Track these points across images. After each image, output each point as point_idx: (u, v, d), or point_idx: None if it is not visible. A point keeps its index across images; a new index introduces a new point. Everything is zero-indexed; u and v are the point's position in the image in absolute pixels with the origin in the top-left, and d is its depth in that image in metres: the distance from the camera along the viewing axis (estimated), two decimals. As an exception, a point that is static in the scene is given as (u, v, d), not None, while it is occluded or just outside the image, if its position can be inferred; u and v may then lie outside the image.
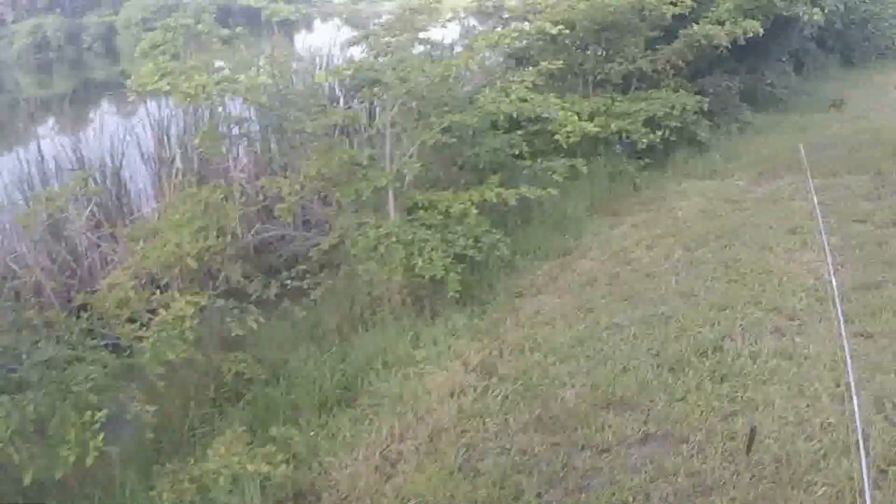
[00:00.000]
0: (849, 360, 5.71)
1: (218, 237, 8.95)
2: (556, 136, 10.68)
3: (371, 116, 13.02)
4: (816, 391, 6.39)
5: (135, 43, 11.37)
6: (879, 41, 27.50)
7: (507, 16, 16.14)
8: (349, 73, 9.97)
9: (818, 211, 8.94)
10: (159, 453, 7.28)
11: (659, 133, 13.95)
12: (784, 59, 20.94)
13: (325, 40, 18.75)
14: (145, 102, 14.70)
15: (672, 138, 14.43)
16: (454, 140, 9.99)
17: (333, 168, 9.29)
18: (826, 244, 8.22)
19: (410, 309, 9.24)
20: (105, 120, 18.50)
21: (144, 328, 7.79)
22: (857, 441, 4.89)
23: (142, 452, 7.36)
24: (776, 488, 5.40)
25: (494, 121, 10.82)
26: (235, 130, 13.59)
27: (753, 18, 15.10)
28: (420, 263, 8.87)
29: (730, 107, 17.40)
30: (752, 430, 5.77)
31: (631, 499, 5.55)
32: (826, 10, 18.71)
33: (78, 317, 8.42)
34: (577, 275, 9.97)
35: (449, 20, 11.85)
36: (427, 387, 7.46)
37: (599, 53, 15.03)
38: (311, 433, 7.06)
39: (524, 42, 14.52)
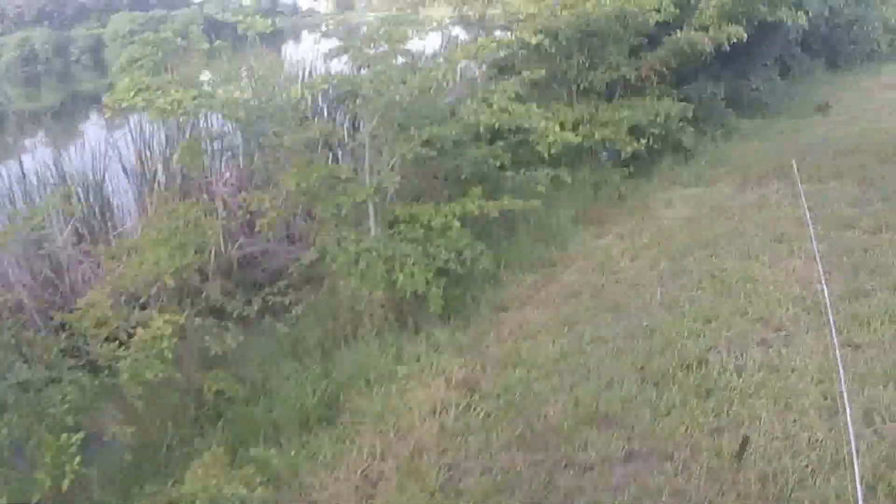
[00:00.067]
0: (841, 373, 5.64)
1: (197, 254, 8.86)
2: (538, 147, 10.57)
3: (355, 128, 12.95)
4: (803, 405, 6.28)
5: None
6: (864, 44, 27.50)
7: (493, 25, 16.05)
8: (325, 86, 9.87)
9: (808, 218, 8.84)
10: (138, 475, 7.17)
11: (643, 141, 13.89)
12: (769, 64, 20.86)
13: (308, 52, 18.72)
14: (127, 117, 14.65)
15: (656, 146, 14.39)
16: (434, 152, 9.87)
17: (312, 182, 9.19)
18: (816, 253, 8.12)
19: (393, 324, 9.16)
20: (91, 133, 18.44)
21: (123, 347, 7.70)
22: (848, 456, 4.81)
23: (120, 475, 7.26)
24: (763, 507, 5.31)
25: (476, 132, 10.69)
26: (219, 144, 13.63)
27: (737, 24, 15.03)
28: (401, 278, 8.79)
29: (715, 113, 17.34)
30: (745, 439, 5.72)
31: (614, 519, 5.47)
32: (810, 15, 18.65)
33: (57, 335, 8.34)
34: (561, 287, 9.88)
35: (430, 31, 11.71)
36: (409, 404, 7.37)
37: (583, 62, 14.89)
38: (292, 452, 6.97)
39: (507, 51, 14.43)
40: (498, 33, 15.46)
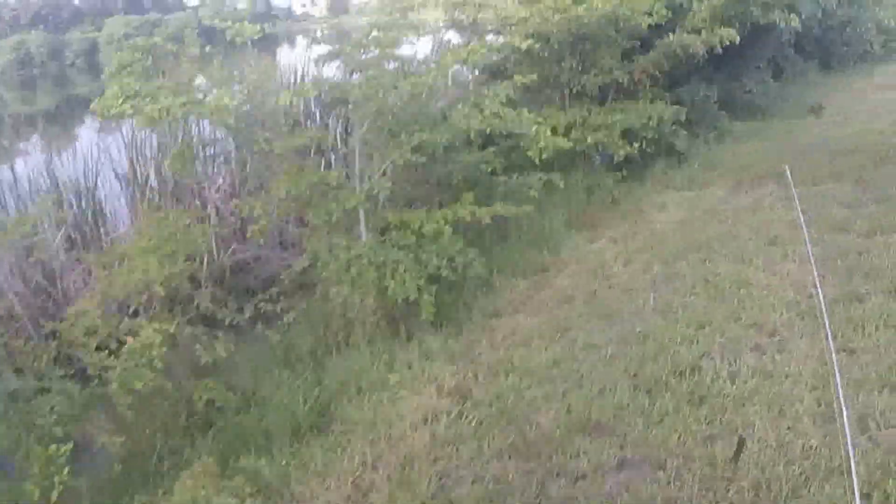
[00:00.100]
0: (838, 379, 5.59)
1: (187, 262, 8.83)
2: (529, 153, 10.53)
3: (348, 133, 12.90)
4: (797, 412, 6.20)
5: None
6: (857, 46, 27.56)
7: (487, 28, 16.00)
8: (314, 93, 9.82)
9: (802, 221, 8.80)
10: (128, 485, 7.14)
11: (636, 145, 13.87)
12: (762, 66, 20.88)
13: (302, 57, 18.69)
14: (121, 122, 14.58)
15: (649, 150, 14.38)
16: (425, 158, 9.83)
17: (302, 189, 9.14)
18: (811, 256, 8.09)
19: (385, 331, 9.13)
20: (85, 137, 18.41)
21: (113, 356, 7.67)
22: (844, 463, 4.76)
23: (110, 485, 7.22)
24: (756, 517, 5.26)
25: (468, 137, 10.65)
26: (212, 150, 13.57)
27: (730, 26, 14.99)
28: (392, 285, 8.75)
29: (708, 115, 17.33)
30: (741, 441, 5.68)
31: (606, 529, 5.43)
32: (803, 17, 18.62)
33: (49, 343, 8.32)
34: (554, 292, 9.84)
35: (421, 35, 11.68)
36: (401, 412, 7.33)
37: (575, 65, 14.89)
38: (283, 462, 6.93)
39: (499, 56, 14.38)
40: (490, 37, 15.44)
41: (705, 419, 6.31)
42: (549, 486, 5.93)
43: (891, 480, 5.19)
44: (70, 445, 6.42)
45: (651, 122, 14.20)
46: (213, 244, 11.88)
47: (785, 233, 10.16)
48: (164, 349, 7.66)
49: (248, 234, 10.49)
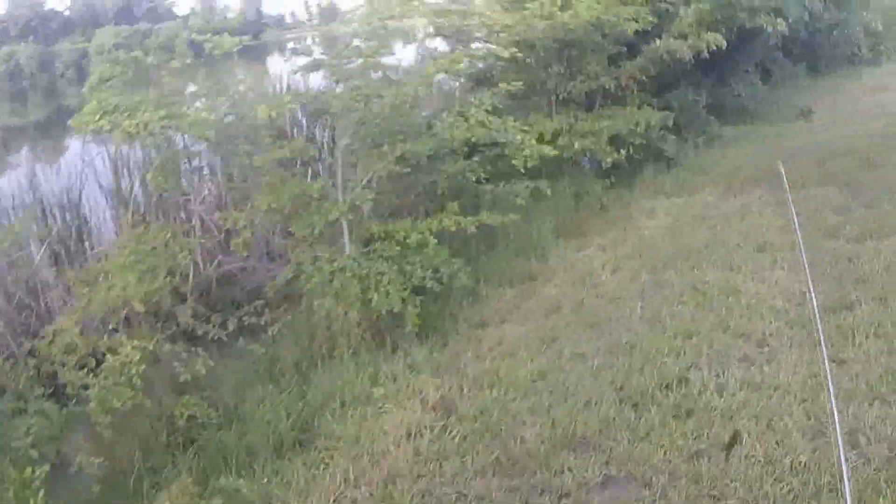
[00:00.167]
0: (831, 390, 5.49)
1: (167, 277, 8.71)
2: (514, 162, 10.43)
3: (335, 143, 12.79)
4: (786, 426, 6.06)
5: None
6: (846, 48, 27.59)
7: (474, 36, 15.90)
8: (292, 106, 9.71)
9: (797, 226, 8.66)
10: (107, 508, 7.02)
11: (623, 151, 13.78)
12: (751, 70, 20.85)
13: (290, 65, 18.63)
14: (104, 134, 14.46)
15: (637, 156, 14.30)
16: (409, 169, 9.72)
17: (283, 202, 9.04)
18: (805, 263, 7.95)
19: (370, 343, 9.01)
20: (73, 149, 18.31)
21: (92, 374, 7.56)
22: (834, 483, 4.66)
23: (87, 508, 7.10)
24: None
25: (453, 147, 10.53)
26: (198, 161, 13.44)
27: (717, 31, 14.93)
28: (376, 298, 8.64)
29: (697, 120, 17.28)
30: (735, 433, 5.65)
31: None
32: (790, 20, 18.54)
33: (27, 362, 8.20)
34: (541, 301, 9.73)
35: (406, 44, 11.58)
36: (384, 427, 7.19)
37: (562, 72, 14.82)
38: (265, 480, 6.80)
39: (485, 63, 14.30)
40: (476, 45, 15.34)
41: (692, 434, 6.17)
42: (532, 504, 5.82)
43: (881, 500, 5.07)
44: (46, 467, 6.31)
45: (639, 128, 14.10)
46: (199, 256, 11.75)
47: (774, 239, 10.10)
48: (144, 366, 7.55)
49: (231, 248, 10.35)
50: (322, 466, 6.84)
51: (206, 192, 13.90)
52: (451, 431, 6.93)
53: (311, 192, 9.31)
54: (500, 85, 10.76)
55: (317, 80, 12.35)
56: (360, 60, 10.16)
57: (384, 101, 9.31)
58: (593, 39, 14.45)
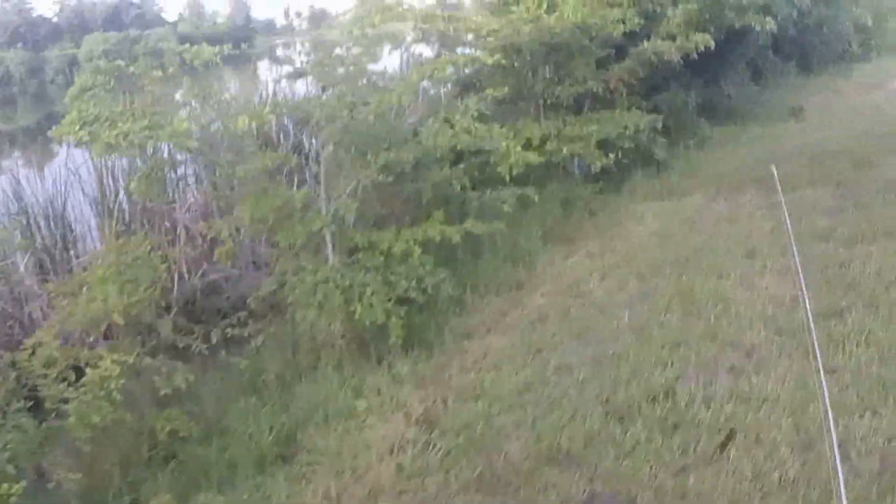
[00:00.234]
0: (827, 407, 5.38)
1: (149, 289, 8.58)
2: (499, 169, 10.33)
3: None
4: (775, 440, 5.94)
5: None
6: (836, 45, 27.53)
7: (462, 41, 15.79)
8: (272, 116, 9.59)
9: (790, 229, 8.54)
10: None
11: (612, 155, 13.68)
12: (741, 70, 20.76)
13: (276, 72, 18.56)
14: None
15: (626, 160, 14.19)
16: (393, 177, 9.60)
17: (266, 212, 8.91)
18: (800, 271, 7.85)
19: (355, 354, 8.90)
20: (61, 156, 18.15)
21: (72, 388, 7.45)
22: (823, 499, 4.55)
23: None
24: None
25: (438, 154, 10.40)
26: (183, 170, 13.31)
27: (705, 31, 14.84)
28: (359, 309, 8.52)
29: (687, 122, 17.16)
30: (731, 432, 5.69)
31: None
32: (779, 18, 18.43)
33: (7, 375, 8.08)
34: (528, 311, 9.61)
35: (391, 50, 11.48)
36: (367, 441, 7.10)
37: (549, 76, 14.72)
38: (245, 496, 6.72)
39: (471, 69, 14.19)
40: (462, 49, 15.23)
41: (678, 448, 6.06)
42: (516, 523, 5.72)
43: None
44: (23, 483, 6.20)
45: (628, 132, 13.99)
46: (183, 266, 11.64)
47: (764, 243, 10.03)
48: (124, 380, 7.44)
49: (215, 258, 10.24)
50: (304, 482, 6.76)
51: (192, 200, 13.78)
52: (434, 446, 6.84)
53: (294, 201, 9.18)
54: (486, 90, 10.62)
55: (304, 86, 12.20)
56: (344, 69, 10.05)
57: (368, 108, 9.18)
58: (580, 42, 14.33)
